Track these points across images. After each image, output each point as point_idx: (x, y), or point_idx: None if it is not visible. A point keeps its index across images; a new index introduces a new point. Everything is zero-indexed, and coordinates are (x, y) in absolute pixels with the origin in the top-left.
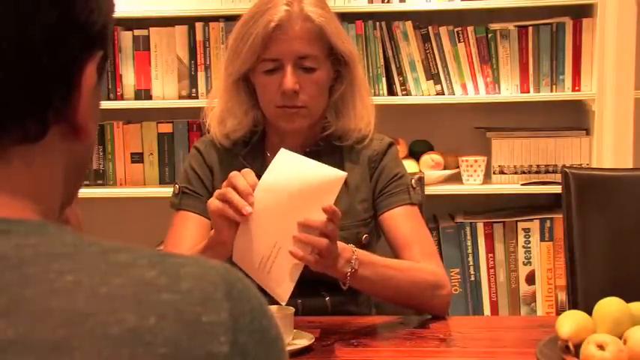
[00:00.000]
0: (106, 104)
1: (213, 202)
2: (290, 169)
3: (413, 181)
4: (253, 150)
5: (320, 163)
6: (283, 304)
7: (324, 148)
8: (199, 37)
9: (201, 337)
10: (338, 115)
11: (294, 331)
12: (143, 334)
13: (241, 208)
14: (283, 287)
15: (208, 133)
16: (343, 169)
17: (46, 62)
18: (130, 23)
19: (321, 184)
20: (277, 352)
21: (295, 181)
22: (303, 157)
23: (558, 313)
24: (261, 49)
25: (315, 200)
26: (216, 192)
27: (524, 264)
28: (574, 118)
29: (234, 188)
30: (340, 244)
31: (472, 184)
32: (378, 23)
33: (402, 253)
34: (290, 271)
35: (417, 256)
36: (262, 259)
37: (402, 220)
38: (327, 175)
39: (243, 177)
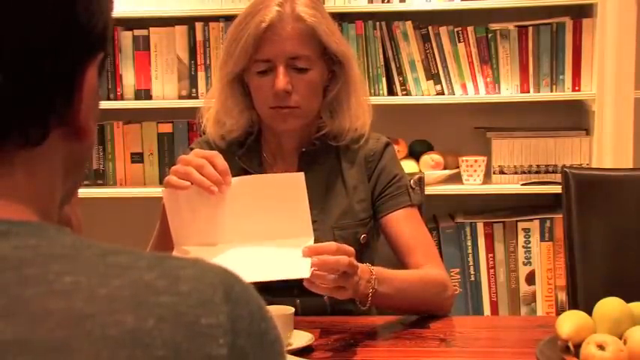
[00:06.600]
0: (106, 104)
1: (173, 179)
2: (247, 192)
3: (412, 181)
4: (249, 151)
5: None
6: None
7: (320, 147)
8: (199, 37)
9: (199, 339)
10: (333, 115)
11: (294, 331)
12: (142, 336)
13: (212, 185)
14: None
15: (204, 134)
16: (340, 170)
17: (50, 69)
18: (130, 23)
19: (283, 192)
20: (276, 355)
21: (258, 200)
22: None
23: (558, 313)
24: (252, 50)
25: (287, 210)
26: (177, 168)
27: (524, 264)
28: (574, 118)
29: (212, 165)
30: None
31: (472, 184)
32: (378, 23)
33: (407, 258)
34: None
35: (420, 260)
36: None
37: (404, 224)
38: (284, 180)
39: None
